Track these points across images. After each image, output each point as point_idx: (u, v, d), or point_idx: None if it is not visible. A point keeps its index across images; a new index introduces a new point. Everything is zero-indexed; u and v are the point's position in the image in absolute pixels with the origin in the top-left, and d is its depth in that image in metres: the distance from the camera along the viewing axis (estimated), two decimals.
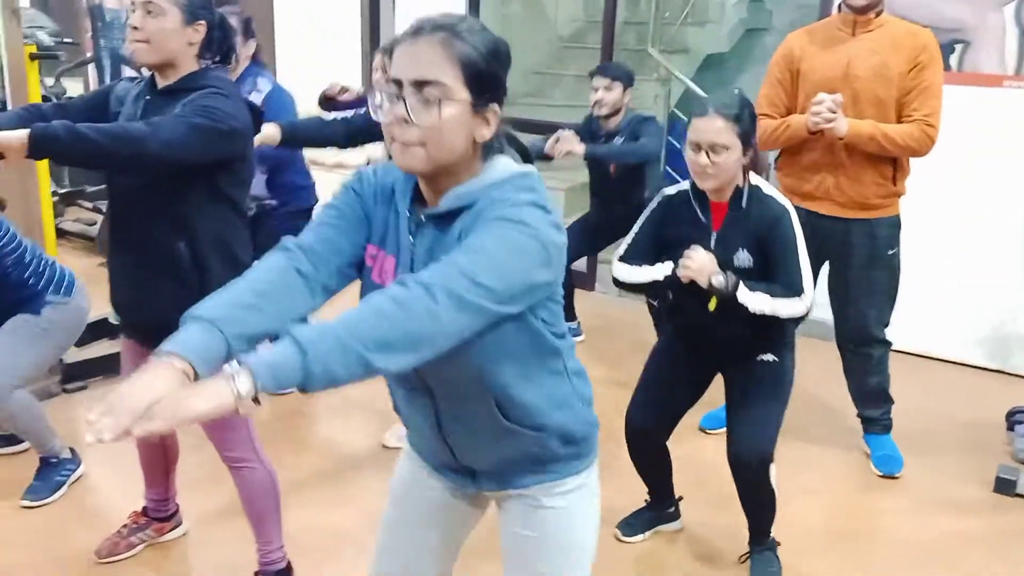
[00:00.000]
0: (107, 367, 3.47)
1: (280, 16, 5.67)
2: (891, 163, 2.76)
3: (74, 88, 5.90)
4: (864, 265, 2.84)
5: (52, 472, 2.70)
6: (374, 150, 2.22)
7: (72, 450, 2.77)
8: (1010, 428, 3.28)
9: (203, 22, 1.94)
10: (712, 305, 2.19)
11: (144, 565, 2.41)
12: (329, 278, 1.31)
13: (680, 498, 2.63)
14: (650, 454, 2.50)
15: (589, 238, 3.96)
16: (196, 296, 2.00)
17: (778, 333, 2.26)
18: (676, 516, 2.64)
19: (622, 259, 2.33)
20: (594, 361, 3.82)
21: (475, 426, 1.36)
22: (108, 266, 2.10)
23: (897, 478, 2.98)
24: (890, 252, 2.85)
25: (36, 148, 1.71)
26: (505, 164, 1.29)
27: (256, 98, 2.96)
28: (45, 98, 3.71)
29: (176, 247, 1.95)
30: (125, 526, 2.44)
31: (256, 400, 1.04)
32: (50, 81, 5.60)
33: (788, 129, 2.74)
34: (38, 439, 2.68)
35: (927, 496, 2.88)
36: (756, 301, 2.12)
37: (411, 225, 1.30)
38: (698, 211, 2.24)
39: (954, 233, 3.84)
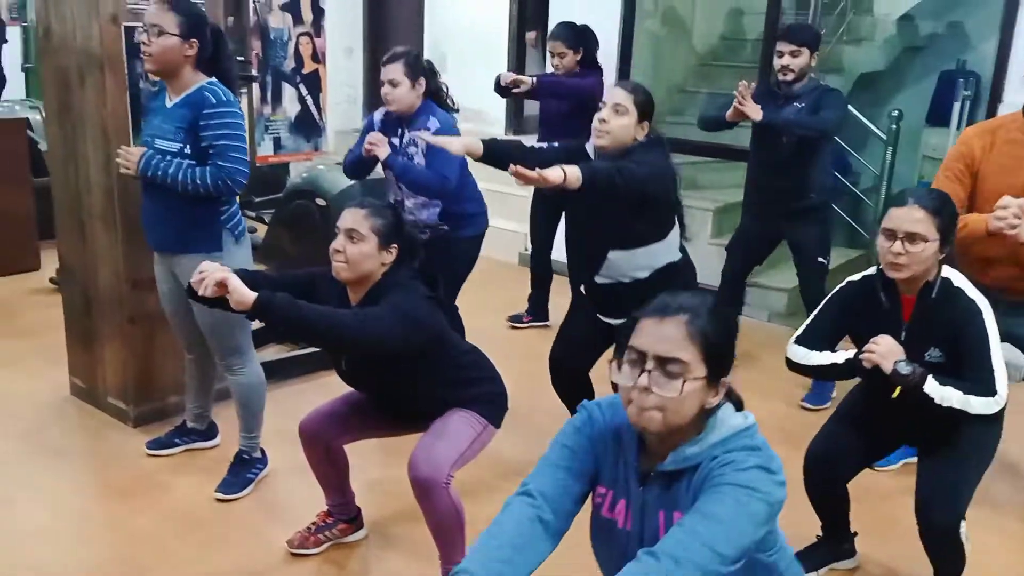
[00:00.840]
0: (285, 369, 3.67)
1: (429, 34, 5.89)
2: None
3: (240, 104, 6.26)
4: None
5: (244, 469, 2.88)
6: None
7: (262, 449, 2.96)
8: None
9: (396, 245, 2.18)
10: (895, 393, 2.10)
11: (330, 563, 2.54)
12: (564, 522, 1.49)
13: (855, 533, 2.56)
14: (827, 488, 2.44)
15: (752, 253, 3.93)
16: (433, 417, 2.30)
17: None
18: (852, 552, 2.58)
19: (798, 341, 2.29)
20: (742, 390, 3.77)
21: None
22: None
23: None
24: None
25: (259, 309, 1.93)
26: (726, 421, 1.44)
27: (429, 131, 3.09)
28: None
29: (411, 401, 2.30)
30: (314, 523, 2.59)
31: None
32: None
33: (965, 228, 2.54)
34: (251, 423, 2.86)
35: None
36: (944, 394, 2.05)
37: (639, 475, 1.47)
38: (885, 301, 2.18)
39: None
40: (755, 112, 3.44)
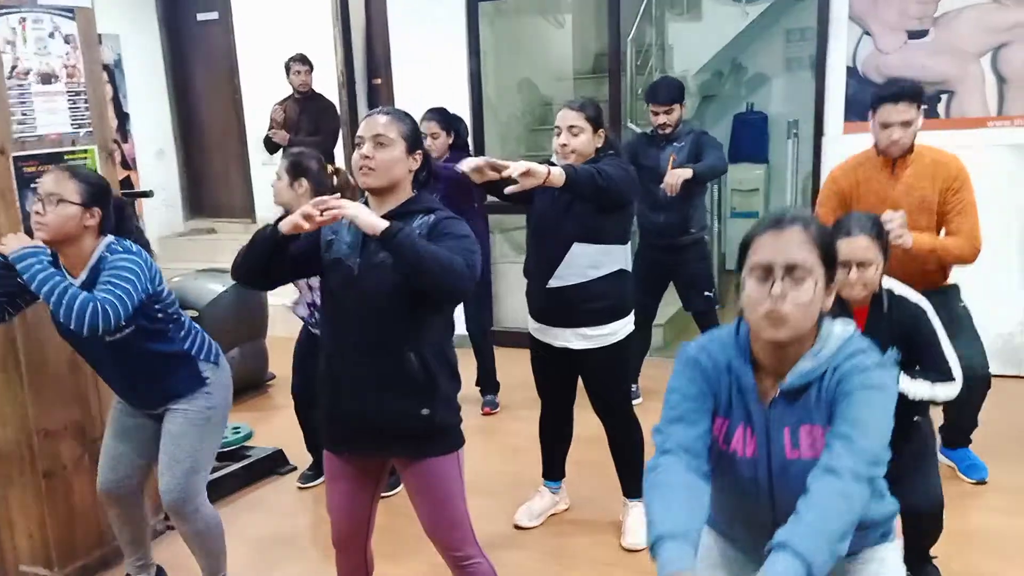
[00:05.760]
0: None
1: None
2: (939, 269, 3.03)
3: None
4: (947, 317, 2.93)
5: None
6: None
7: None
8: None
9: (420, 152, 2.14)
10: None
11: None
12: (706, 463, 1.56)
13: None
14: None
15: (653, 290, 4.18)
16: (419, 404, 2.11)
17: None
18: None
19: None
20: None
21: None
22: (326, 378, 2.15)
23: (986, 483, 3.28)
24: (961, 304, 3.11)
25: (391, 237, 1.91)
26: (832, 332, 1.53)
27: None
28: None
29: (407, 356, 2.05)
30: None
31: None
32: None
33: None
34: (215, 564, 2.65)
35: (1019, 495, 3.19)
36: (916, 388, 2.30)
37: (758, 395, 1.55)
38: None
39: None
40: (688, 173, 3.79)
